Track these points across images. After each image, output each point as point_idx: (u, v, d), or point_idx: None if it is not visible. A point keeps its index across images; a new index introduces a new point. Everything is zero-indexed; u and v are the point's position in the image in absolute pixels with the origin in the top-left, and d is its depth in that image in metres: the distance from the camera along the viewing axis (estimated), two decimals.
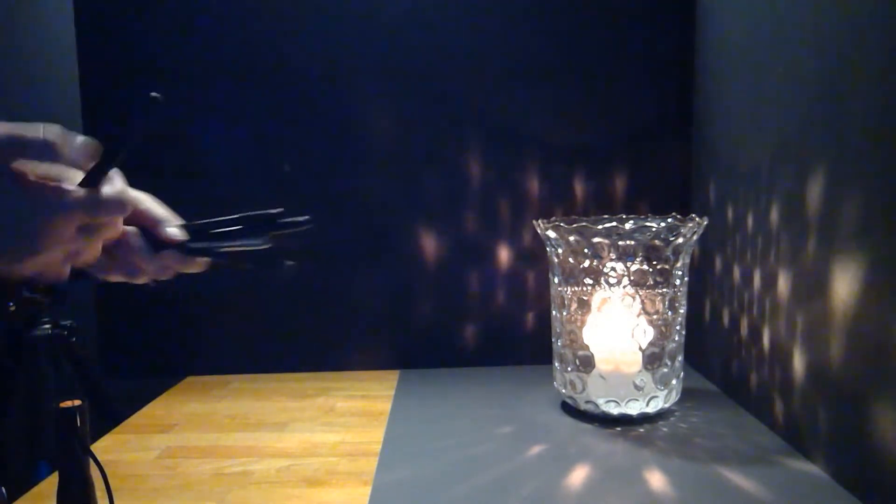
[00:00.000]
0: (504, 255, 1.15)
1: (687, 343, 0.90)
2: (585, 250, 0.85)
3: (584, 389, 0.87)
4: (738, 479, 0.70)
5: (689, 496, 0.66)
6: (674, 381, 0.86)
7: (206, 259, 0.47)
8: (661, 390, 0.85)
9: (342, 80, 1.13)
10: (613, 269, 0.84)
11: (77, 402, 0.57)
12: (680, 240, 0.83)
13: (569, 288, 0.88)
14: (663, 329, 0.85)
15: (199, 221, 0.49)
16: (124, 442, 0.87)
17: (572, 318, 0.88)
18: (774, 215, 0.80)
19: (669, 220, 0.88)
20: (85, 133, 0.39)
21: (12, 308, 1.00)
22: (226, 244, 0.48)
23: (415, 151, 1.14)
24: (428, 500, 0.68)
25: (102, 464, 0.57)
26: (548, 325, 0.96)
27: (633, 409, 0.85)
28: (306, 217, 0.52)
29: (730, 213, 0.95)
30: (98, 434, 0.89)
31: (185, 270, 0.47)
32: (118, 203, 0.40)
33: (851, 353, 0.64)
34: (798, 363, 0.75)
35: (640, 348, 0.85)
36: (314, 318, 1.17)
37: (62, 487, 0.57)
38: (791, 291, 0.77)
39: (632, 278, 0.84)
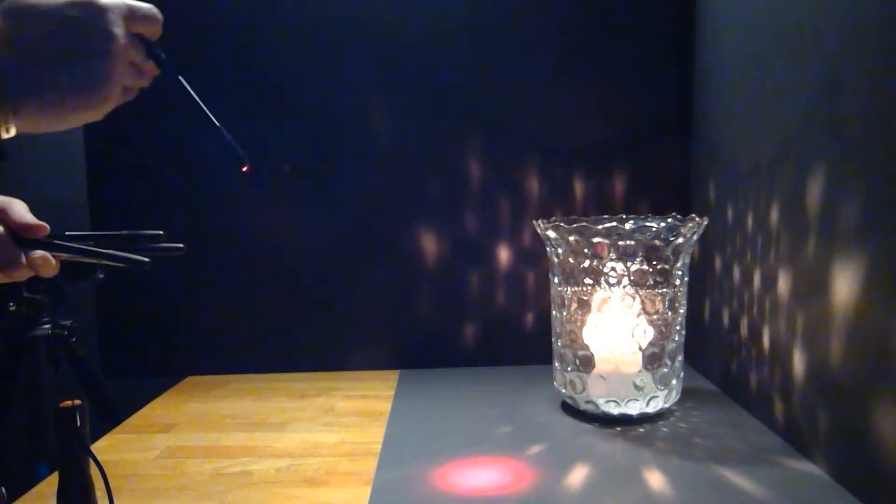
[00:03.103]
0: (504, 255, 1.15)
1: (687, 343, 0.90)
2: (585, 250, 0.85)
3: (584, 389, 0.87)
4: (738, 479, 0.70)
5: (689, 496, 0.66)
6: (674, 381, 0.86)
7: (64, 256, 0.52)
8: (661, 390, 0.85)
9: (343, 81, 1.13)
10: (613, 269, 0.84)
11: (77, 402, 0.57)
12: (680, 240, 0.83)
13: (569, 288, 0.88)
14: (663, 329, 0.85)
15: (70, 233, 0.54)
16: (124, 442, 0.87)
17: (572, 318, 0.88)
18: (774, 215, 0.80)
19: (669, 220, 0.88)
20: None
21: (12, 308, 1.01)
22: (88, 247, 0.54)
23: (415, 151, 1.14)
24: (428, 500, 0.68)
25: (102, 464, 0.57)
26: (548, 325, 0.96)
27: (633, 409, 0.85)
28: (180, 245, 0.57)
29: (730, 213, 0.95)
30: (98, 434, 0.89)
31: (37, 271, 0.51)
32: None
33: (851, 353, 0.64)
34: (798, 363, 0.75)
35: (640, 348, 0.85)
36: (314, 318, 1.17)
37: (62, 487, 0.57)
38: (791, 291, 0.77)
39: (632, 278, 0.84)
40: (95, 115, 0.45)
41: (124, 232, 0.57)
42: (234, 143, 0.56)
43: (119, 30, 0.44)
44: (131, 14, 0.46)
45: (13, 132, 0.43)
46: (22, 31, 0.41)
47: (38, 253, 0.50)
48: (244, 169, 0.58)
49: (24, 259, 0.50)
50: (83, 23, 0.42)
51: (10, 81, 0.40)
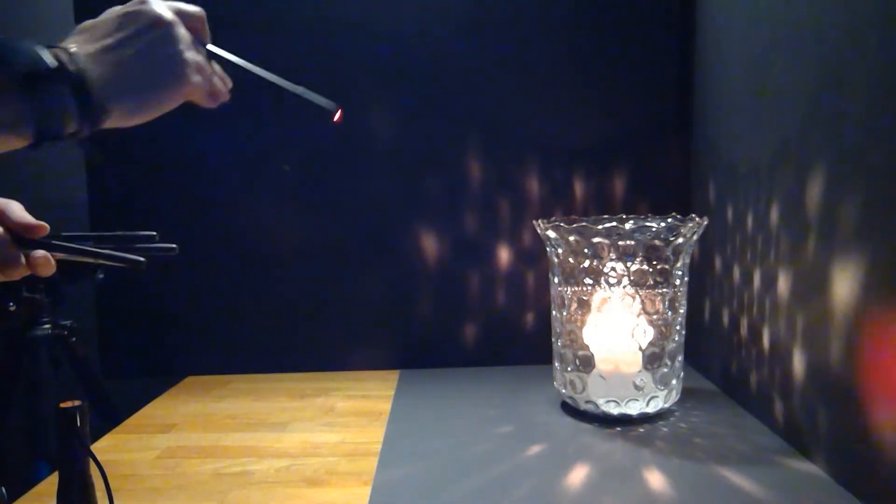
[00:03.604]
0: (504, 255, 1.15)
1: (687, 343, 0.90)
2: (585, 250, 0.85)
3: (584, 389, 0.87)
4: (738, 479, 0.70)
5: (689, 496, 0.66)
6: (674, 381, 0.86)
7: (61, 256, 0.54)
8: (661, 390, 0.85)
9: (342, 80, 1.13)
10: (613, 269, 0.84)
11: (77, 402, 0.57)
12: (680, 240, 0.83)
13: (569, 288, 0.88)
14: (663, 329, 0.85)
15: (66, 234, 0.56)
16: (124, 442, 0.87)
17: (572, 318, 0.88)
18: (774, 215, 0.80)
19: (669, 220, 0.88)
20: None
21: (12, 308, 1.01)
22: (86, 248, 0.55)
23: (415, 151, 1.14)
24: (428, 500, 0.68)
25: (102, 464, 0.57)
26: (548, 325, 0.96)
27: (633, 409, 0.85)
28: (174, 245, 0.60)
29: (730, 213, 0.95)
30: (98, 434, 0.89)
31: (36, 270, 0.53)
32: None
33: (851, 353, 0.64)
34: (798, 363, 0.75)
35: (640, 348, 0.85)
36: (314, 317, 1.17)
37: (62, 487, 0.57)
38: (791, 291, 0.77)
39: (632, 278, 0.84)
40: (173, 95, 0.49)
41: (120, 233, 0.59)
42: (320, 100, 0.60)
43: (165, 11, 0.48)
44: (178, 11, 0.50)
45: (111, 123, 0.46)
46: (89, 37, 0.46)
47: (40, 253, 0.51)
48: (336, 118, 0.60)
49: (23, 259, 0.51)
50: (135, 13, 0.47)
51: (94, 76, 0.44)
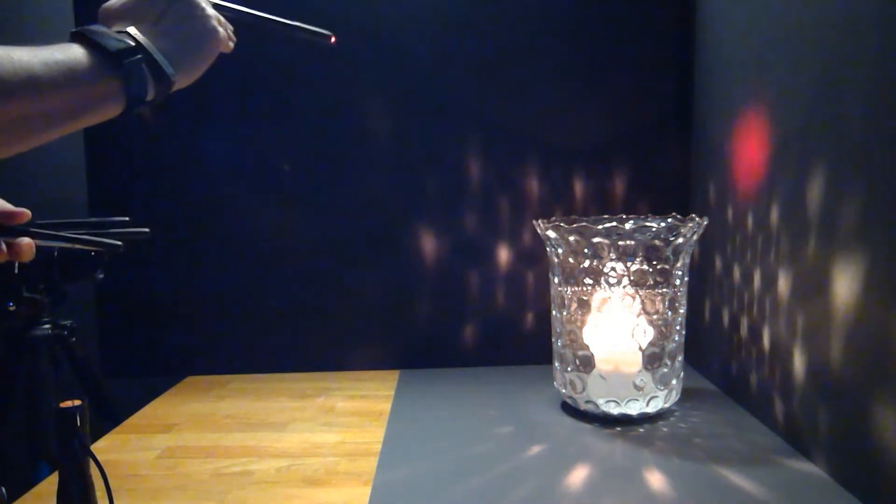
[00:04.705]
0: (504, 255, 1.15)
1: (687, 343, 0.90)
2: (585, 250, 0.85)
3: (584, 389, 0.87)
4: (738, 479, 0.70)
5: (689, 496, 0.66)
6: (674, 381, 0.86)
7: (41, 243, 0.55)
8: (661, 390, 0.85)
9: (342, 80, 1.13)
10: (613, 269, 0.84)
11: (77, 402, 0.57)
12: (680, 240, 0.83)
13: (569, 288, 0.88)
14: (663, 329, 0.85)
15: (41, 221, 0.58)
16: (124, 442, 0.87)
17: (572, 318, 0.88)
18: (774, 215, 0.80)
19: (669, 220, 0.88)
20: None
21: (12, 308, 1.00)
22: (65, 233, 0.57)
23: (415, 151, 1.14)
24: (428, 500, 0.68)
25: (102, 464, 0.57)
26: (548, 325, 0.96)
27: (633, 409, 0.85)
28: (146, 229, 0.62)
29: (730, 213, 0.95)
30: (98, 434, 0.89)
31: (20, 257, 0.55)
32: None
33: (851, 353, 0.64)
34: (798, 363, 0.75)
35: (640, 348, 0.85)
36: (314, 317, 1.17)
37: (62, 487, 0.57)
38: (791, 291, 0.77)
39: (632, 278, 0.84)
40: (213, 50, 0.55)
41: (93, 219, 0.60)
42: (312, 29, 0.66)
43: None
44: None
45: (179, 85, 0.52)
46: (132, 20, 0.51)
47: (26, 240, 0.53)
48: (332, 41, 0.66)
49: (3, 246, 0.52)
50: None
51: (156, 50, 0.50)
